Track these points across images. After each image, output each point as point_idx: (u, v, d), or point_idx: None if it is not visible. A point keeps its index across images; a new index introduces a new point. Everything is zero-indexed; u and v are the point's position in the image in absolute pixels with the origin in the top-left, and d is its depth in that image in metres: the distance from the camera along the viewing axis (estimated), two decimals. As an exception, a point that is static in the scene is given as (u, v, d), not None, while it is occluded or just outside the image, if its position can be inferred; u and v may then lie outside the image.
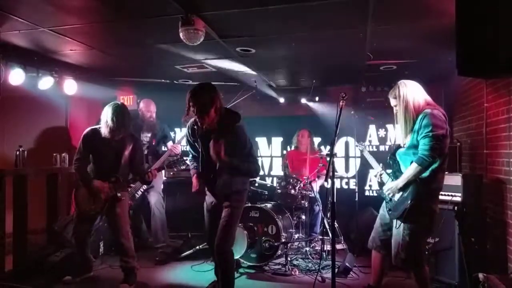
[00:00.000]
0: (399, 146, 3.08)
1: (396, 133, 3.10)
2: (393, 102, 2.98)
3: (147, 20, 3.26)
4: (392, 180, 3.03)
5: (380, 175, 3.25)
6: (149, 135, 4.90)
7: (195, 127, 3.14)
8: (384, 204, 3.16)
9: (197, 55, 4.27)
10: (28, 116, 5.60)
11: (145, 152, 4.81)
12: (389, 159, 3.14)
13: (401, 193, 2.89)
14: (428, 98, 2.93)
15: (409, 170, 2.81)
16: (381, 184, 3.24)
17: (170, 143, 5.03)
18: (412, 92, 2.89)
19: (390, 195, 2.97)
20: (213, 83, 3.11)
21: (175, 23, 3.10)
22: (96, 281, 3.91)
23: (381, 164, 3.37)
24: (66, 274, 3.82)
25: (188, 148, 3.39)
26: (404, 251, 2.82)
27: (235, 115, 3.16)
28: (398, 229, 2.88)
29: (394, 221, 2.95)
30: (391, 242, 2.98)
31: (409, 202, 2.79)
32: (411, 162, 2.84)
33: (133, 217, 5.04)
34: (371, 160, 3.50)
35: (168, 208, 4.88)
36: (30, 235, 4.26)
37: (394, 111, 3.01)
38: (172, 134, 5.41)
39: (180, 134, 6.61)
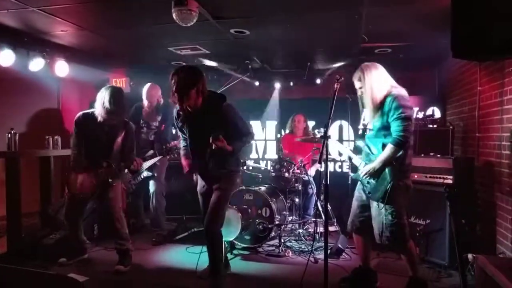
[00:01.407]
0: (365, 130, 3.12)
1: (365, 115, 3.13)
2: (357, 84, 3.02)
3: None
4: (366, 163, 3.06)
5: (350, 159, 3.28)
6: (157, 121, 4.80)
7: (180, 112, 3.14)
8: (359, 186, 3.20)
9: (190, 37, 4.21)
10: (19, 98, 5.52)
11: (152, 137, 4.76)
12: (357, 143, 3.21)
13: (378, 175, 2.93)
14: (390, 79, 2.98)
15: (385, 151, 2.86)
16: (354, 168, 3.27)
17: None
18: (377, 74, 2.94)
19: (367, 178, 2.99)
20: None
21: (168, 3, 3.04)
22: (91, 263, 3.93)
23: (348, 148, 3.38)
24: (60, 256, 3.83)
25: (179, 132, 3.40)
26: (388, 229, 2.90)
27: (220, 96, 3.17)
28: (380, 209, 2.93)
29: (373, 202, 2.99)
30: (370, 222, 3.05)
31: (389, 183, 2.84)
32: (382, 144, 2.91)
33: (132, 200, 5.04)
34: (338, 146, 3.52)
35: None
36: (24, 218, 4.26)
37: (359, 94, 3.04)
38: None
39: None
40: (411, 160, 2.99)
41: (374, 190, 2.97)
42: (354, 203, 3.22)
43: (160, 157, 4.21)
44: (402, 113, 2.78)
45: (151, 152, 4.44)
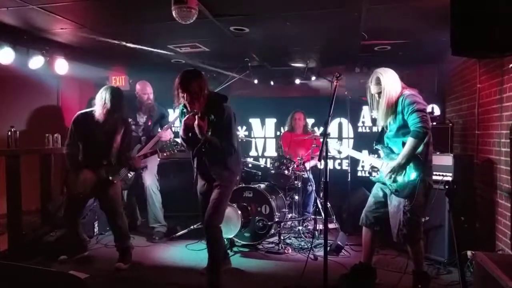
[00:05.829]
0: (381, 134, 3.20)
1: (378, 118, 3.16)
2: (375, 89, 3.05)
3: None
4: (388, 163, 3.05)
5: (372, 165, 3.31)
6: (145, 116, 4.83)
7: (185, 110, 3.19)
8: (378, 184, 3.20)
9: (190, 35, 4.21)
10: (19, 96, 5.53)
11: (141, 133, 4.78)
12: (376, 146, 3.22)
13: (403, 172, 2.93)
14: (401, 81, 3.05)
15: (407, 145, 2.87)
16: (374, 170, 3.29)
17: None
18: (393, 78, 3.00)
19: (394, 176, 2.97)
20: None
21: (168, 1, 3.04)
22: (92, 260, 3.94)
23: (366, 152, 3.40)
24: (61, 253, 3.85)
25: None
26: (406, 226, 2.92)
27: (222, 96, 3.28)
28: (398, 206, 2.94)
29: (394, 199, 3.00)
30: (384, 218, 3.07)
31: (417, 177, 2.87)
32: (403, 142, 2.93)
33: (127, 198, 5.05)
34: (355, 154, 3.54)
35: (163, 189, 4.87)
36: (25, 216, 4.27)
37: (374, 97, 3.09)
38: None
39: (173, 115, 6.56)
40: (432, 157, 3.02)
41: (402, 187, 2.94)
42: (371, 199, 3.25)
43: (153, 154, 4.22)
44: (415, 106, 2.85)
45: (138, 146, 4.52)
